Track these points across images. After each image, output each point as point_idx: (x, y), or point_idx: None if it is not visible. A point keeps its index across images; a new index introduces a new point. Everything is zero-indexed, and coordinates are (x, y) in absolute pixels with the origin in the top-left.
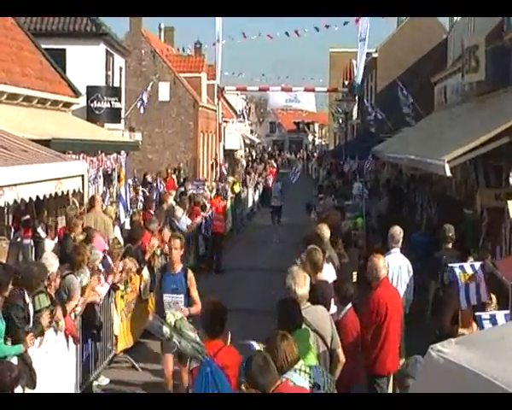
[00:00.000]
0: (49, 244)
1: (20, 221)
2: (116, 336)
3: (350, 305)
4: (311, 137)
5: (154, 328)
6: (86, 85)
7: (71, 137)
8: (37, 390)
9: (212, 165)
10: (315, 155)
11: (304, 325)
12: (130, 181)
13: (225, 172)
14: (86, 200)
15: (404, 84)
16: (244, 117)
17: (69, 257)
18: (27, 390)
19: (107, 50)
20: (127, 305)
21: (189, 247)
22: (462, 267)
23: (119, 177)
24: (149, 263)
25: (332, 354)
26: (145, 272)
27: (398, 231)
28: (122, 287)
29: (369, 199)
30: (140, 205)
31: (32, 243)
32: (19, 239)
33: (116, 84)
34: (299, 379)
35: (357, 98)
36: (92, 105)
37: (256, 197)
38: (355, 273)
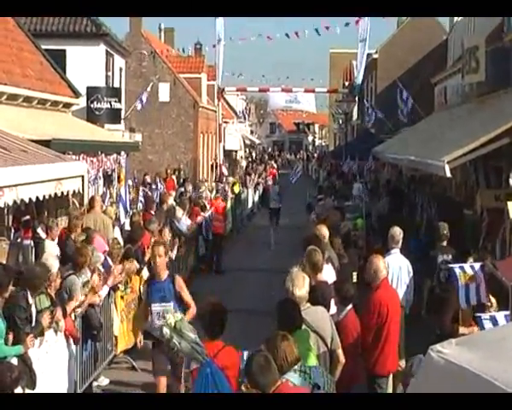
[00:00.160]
0: (50, 245)
1: (20, 222)
2: (116, 337)
3: (350, 306)
4: (311, 138)
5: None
6: (86, 86)
7: (71, 138)
8: (37, 391)
9: (211, 165)
10: (315, 155)
11: (304, 326)
12: (130, 182)
13: (225, 173)
14: (86, 201)
15: (404, 85)
16: (245, 118)
17: (70, 258)
18: (27, 391)
19: (107, 51)
20: (127, 305)
21: (189, 247)
22: (462, 268)
23: (119, 177)
24: (149, 264)
25: (332, 354)
26: (145, 273)
27: (397, 231)
28: (122, 287)
29: (369, 200)
30: (140, 206)
31: (32, 243)
32: (19, 240)
33: (116, 84)
34: (299, 380)
35: (357, 99)
36: (92, 106)
37: (256, 198)
38: (355, 274)
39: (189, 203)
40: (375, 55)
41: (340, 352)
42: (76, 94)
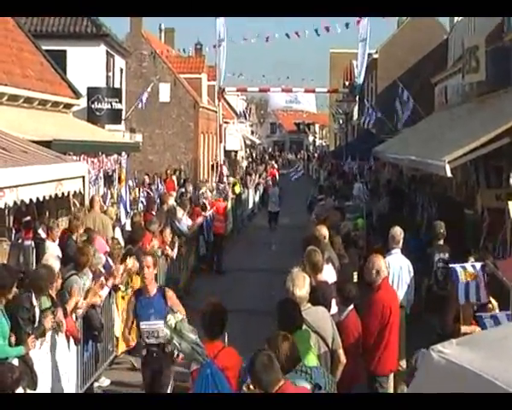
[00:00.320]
0: (50, 246)
1: (21, 223)
2: (117, 338)
3: (352, 306)
4: (311, 138)
5: None
6: (87, 87)
7: (71, 139)
8: (38, 392)
9: (212, 166)
10: (315, 155)
11: (304, 326)
12: (130, 182)
13: (226, 173)
14: (87, 201)
15: (404, 85)
16: (245, 118)
17: (71, 258)
18: (28, 392)
19: (107, 51)
20: None
21: (189, 247)
22: (463, 267)
23: (119, 178)
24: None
25: (333, 354)
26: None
27: (398, 231)
28: (123, 288)
29: (369, 200)
30: (140, 206)
31: (33, 244)
32: (20, 240)
33: (117, 85)
34: (300, 380)
35: (357, 99)
36: (93, 106)
37: (257, 198)
38: (355, 274)
39: (190, 204)
40: (376, 55)
41: (341, 352)
42: (76, 95)
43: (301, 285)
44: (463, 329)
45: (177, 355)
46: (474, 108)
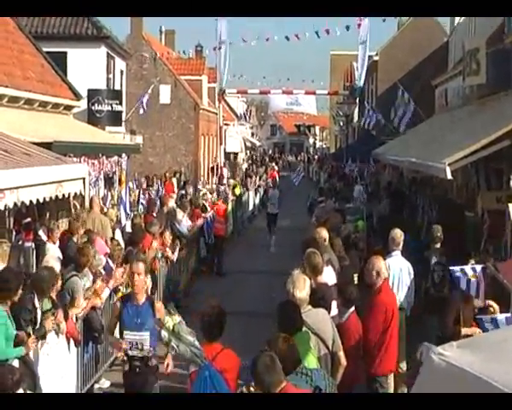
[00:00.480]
0: (51, 247)
1: (22, 224)
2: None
3: (353, 308)
4: (311, 140)
5: None
6: (87, 88)
7: (72, 140)
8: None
9: (212, 168)
10: (316, 157)
11: (304, 328)
12: (130, 184)
13: (226, 175)
14: (87, 203)
15: (404, 87)
16: (245, 120)
17: (72, 260)
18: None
19: (108, 53)
20: None
21: (190, 249)
22: (462, 270)
23: (119, 180)
24: (150, 266)
25: (333, 357)
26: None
27: (398, 233)
28: (123, 289)
29: (369, 202)
30: (141, 208)
31: (34, 246)
32: (20, 242)
33: (117, 87)
34: (300, 382)
35: (357, 101)
36: (93, 108)
37: (257, 200)
38: (356, 276)
39: (190, 205)
40: (376, 58)
41: (341, 354)
42: (77, 96)
43: (301, 287)
44: (464, 331)
45: (166, 366)
46: (474, 111)
